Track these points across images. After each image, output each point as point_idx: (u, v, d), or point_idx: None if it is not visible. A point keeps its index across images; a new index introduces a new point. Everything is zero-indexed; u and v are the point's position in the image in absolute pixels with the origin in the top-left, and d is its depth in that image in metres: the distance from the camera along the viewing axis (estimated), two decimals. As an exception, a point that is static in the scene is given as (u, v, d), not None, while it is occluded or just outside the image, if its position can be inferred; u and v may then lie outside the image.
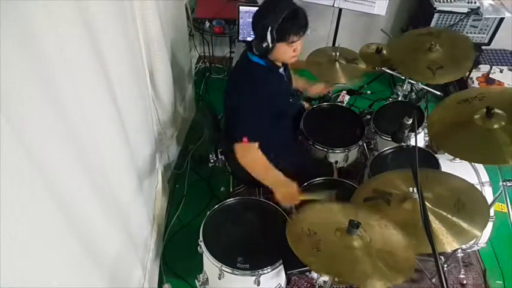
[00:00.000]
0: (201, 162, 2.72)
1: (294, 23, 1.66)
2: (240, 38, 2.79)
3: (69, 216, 1.09)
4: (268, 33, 1.65)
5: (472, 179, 1.99)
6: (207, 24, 2.90)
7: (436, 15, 2.84)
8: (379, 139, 2.37)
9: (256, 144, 1.77)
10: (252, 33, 2.62)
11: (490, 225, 1.95)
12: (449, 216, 1.42)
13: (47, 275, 1.02)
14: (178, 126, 2.68)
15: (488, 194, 2.00)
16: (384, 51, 2.62)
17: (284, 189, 1.79)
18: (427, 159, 2.07)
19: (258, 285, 1.65)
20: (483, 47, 3.06)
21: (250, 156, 1.80)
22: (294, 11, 1.66)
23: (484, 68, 3.19)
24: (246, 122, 1.78)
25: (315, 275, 1.84)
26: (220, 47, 3.37)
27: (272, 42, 1.67)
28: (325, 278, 1.70)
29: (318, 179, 2.02)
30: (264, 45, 1.69)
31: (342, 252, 1.32)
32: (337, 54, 2.41)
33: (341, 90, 3.01)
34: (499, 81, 3.12)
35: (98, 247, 1.34)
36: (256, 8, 1.74)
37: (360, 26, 3.29)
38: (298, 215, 1.53)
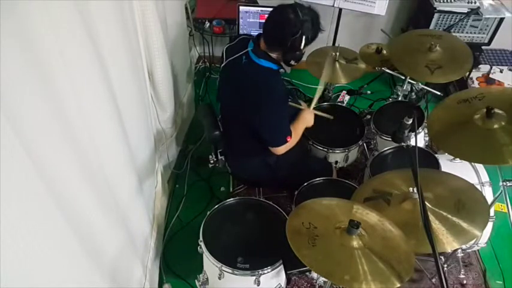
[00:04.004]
0: (201, 162, 2.72)
1: (319, 26, 1.72)
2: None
3: (69, 216, 1.09)
4: (303, 42, 1.68)
5: (472, 179, 1.99)
6: (207, 24, 2.89)
7: (436, 15, 2.84)
8: (379, 139, 2.37)
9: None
10: (252, 33, 2.64)
11: (490, 225, 1.95)
12: (449, 216, 1.42)
13: (48, 275, 1.01)
14: (178, 126, 2.68)
15: (488, 194, 2.00)
16: (384, 51, 2.62)
17: (306, 123, 2.00)
18: (427, 159, 2.07)
19: (258, 285, 1.65)
20: (483, 47, 3.06)
21: (290, 144, 1.89)
22: (317, 15, 1.72)
23: (484, 68, 3.19)
24: (283, 125, 1.85)
25: (315, 275, 1.84)
26: (220, 47, 3.36)
27: (304, 48, 1.71)
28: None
29: (318, 179, 2.03)
30: (297, 54, 1.72)
31: (337, 251, 1.32)
32: (337, 54, 2.41)
33: (341, 90, 3.02)
34: (499, 81, 3.12)
35: (98, 247, 1.34)
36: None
37: (360, 26, 3.29)
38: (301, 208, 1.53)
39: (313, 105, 2.06)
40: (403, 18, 3.33)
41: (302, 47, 1.70)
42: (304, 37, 1.66)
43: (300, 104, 2.13)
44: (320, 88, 2.07)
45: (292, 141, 1.88)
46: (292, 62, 1.76)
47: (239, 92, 1.85)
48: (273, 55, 1.77)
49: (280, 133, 1.84)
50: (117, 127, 1.47)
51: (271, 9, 1.79)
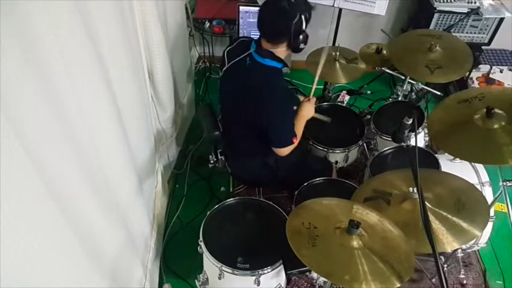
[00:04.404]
0: (201, 162, 2.72)
1: (310, 4, 1.71)
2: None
3: (69, 216, 1.09)
4: (304, 22, 1.67)
5: (472, 179, 1.99)
6: (207, 24, 2.89)
7: (436, 15, 2.84)
8: (379, 139, 2.37)
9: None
10: (252, 33, 2.64)
11: (490, 225, 1.95)
12: (449, 216, 1.42)
13: (48, 275, 1.01)
14: (178, 126, 2.68)
15: (488, 194, 2.00)
16: (384, 51, 2.62)
17: (307, 115, 1.98)
18: (427, 159, 2.07)
19: (258, 285, 1.65)
20: (483, 47, 3.06)
21: (295, 144, 1.88)
22: None
23: (484, 68, 3.19)
24: (288, 126, 1.84)
25: (315, 275, 1.84)
26: (220, 47, 3.36)
27: (306, 28, 1.69)
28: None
29: (318, 179, 2.03)
30: (302, 37, 1.71)
31: (337, 251, 1.32)
32: (337, 54, 2.41)
33: (341, 90, 3.02)
34: (499, 81, 3.12)
35: (98, 247, 1.34)
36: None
37: (359, 26, 3.29)
38: (301, 208, 1.53)
39: (312, 94, 2.04)
40: (403, 18, 3.33)
41: (304, 27, 1.70)
42: (303, 17, 1.67)
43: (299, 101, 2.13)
44: (317, 77, 2.05)
45: (296, 142, 1.87)
46: (302, 46, 1.75)
47: (242, 92, 1.84)
48: (279, 49, 1.75)
49: (286, 134, 1.84)
50: (117, 127, 1.47)
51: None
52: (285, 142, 1.84)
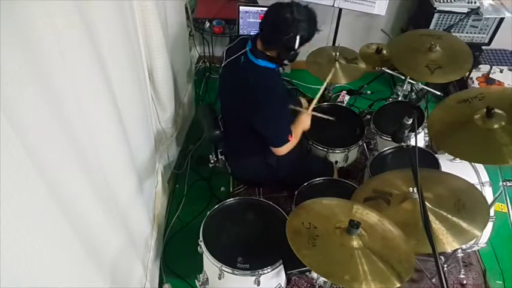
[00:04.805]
0: (201, 162, 2.72)
1: (316, 26, 1.71)
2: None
3: (69, 216, 1.09)
4: (298, 41, 1.66)
5: (472, 179, 1.99)
6: (207, 24, 2.89)
7: (436, 15, 2.84)
8: (379, 139, 2.37)
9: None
10: (252, 33, 2.64)
11: (490, 225, 1.95)
12: (449, 216, 1.42)
13: (48, 275, 1.01)
14: (178, 126, 2.68)
15: (488, 194, 2.00)
16: (384, 51, 2.62)
17: (303, 126, 1.99)
18: (427, 159, 2.07)
19: (258, 285, 1.65)
20: (483, 47, 3.06)
21: (291, 144, 1.88)
22: (314, 15, 1.70)
23: (484, 68, 3.19)
24: (283, 124, 1.85)
25: (315, 275, 1.83)
26: (220, 47, 3.36)
27: (299, 48, 1.69)
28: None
29: (318, 179, 2.03)
30: (291, 54, 1.71)
31: (337, 251, 1.32)
32: (337, 54, 2.41)
33: (341, 90, 3.02)
34: (499, 81, 3.12)
35: (98, 247, 1.34)
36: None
37: (360, 26, 3.29)
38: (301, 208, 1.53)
39: (310, 108, 2.06)
40: (403, 18, 3.33)
41: (296, 46, 1.68)
42: (298, 37, 1.65)
43: (301, 104, 2.13)
44: (319, 93, 2.07)
45: (292, 142, 1.87)
46: (286, 62, 1.77)
47: (239, 92, 1.85)
48: (270, 54, 1.77)
49: (281, 132, 1.84)
50: (117, 127, 1.47)
51: (271, 8, 1.79)
52: (281, 140, 1.84)
